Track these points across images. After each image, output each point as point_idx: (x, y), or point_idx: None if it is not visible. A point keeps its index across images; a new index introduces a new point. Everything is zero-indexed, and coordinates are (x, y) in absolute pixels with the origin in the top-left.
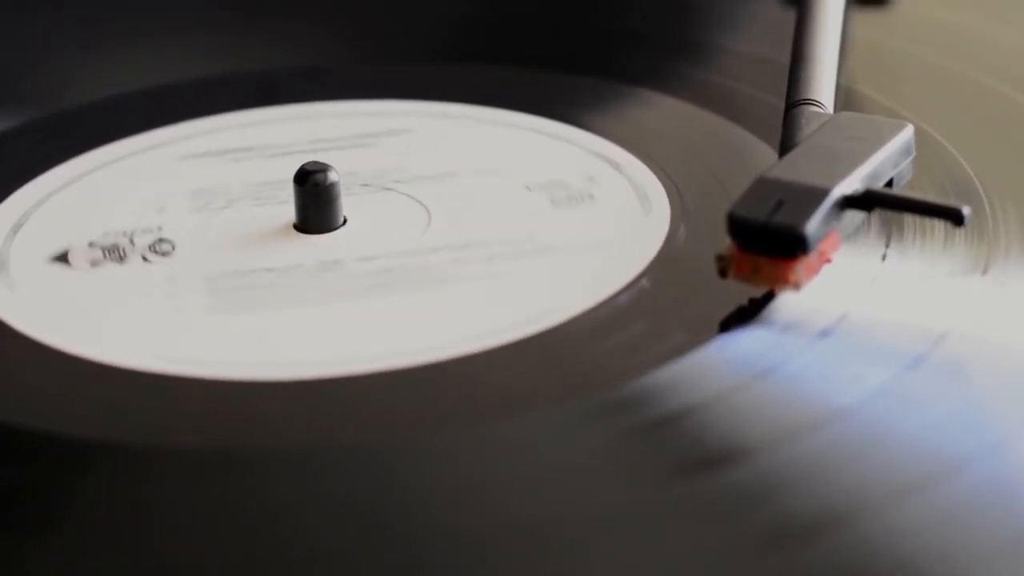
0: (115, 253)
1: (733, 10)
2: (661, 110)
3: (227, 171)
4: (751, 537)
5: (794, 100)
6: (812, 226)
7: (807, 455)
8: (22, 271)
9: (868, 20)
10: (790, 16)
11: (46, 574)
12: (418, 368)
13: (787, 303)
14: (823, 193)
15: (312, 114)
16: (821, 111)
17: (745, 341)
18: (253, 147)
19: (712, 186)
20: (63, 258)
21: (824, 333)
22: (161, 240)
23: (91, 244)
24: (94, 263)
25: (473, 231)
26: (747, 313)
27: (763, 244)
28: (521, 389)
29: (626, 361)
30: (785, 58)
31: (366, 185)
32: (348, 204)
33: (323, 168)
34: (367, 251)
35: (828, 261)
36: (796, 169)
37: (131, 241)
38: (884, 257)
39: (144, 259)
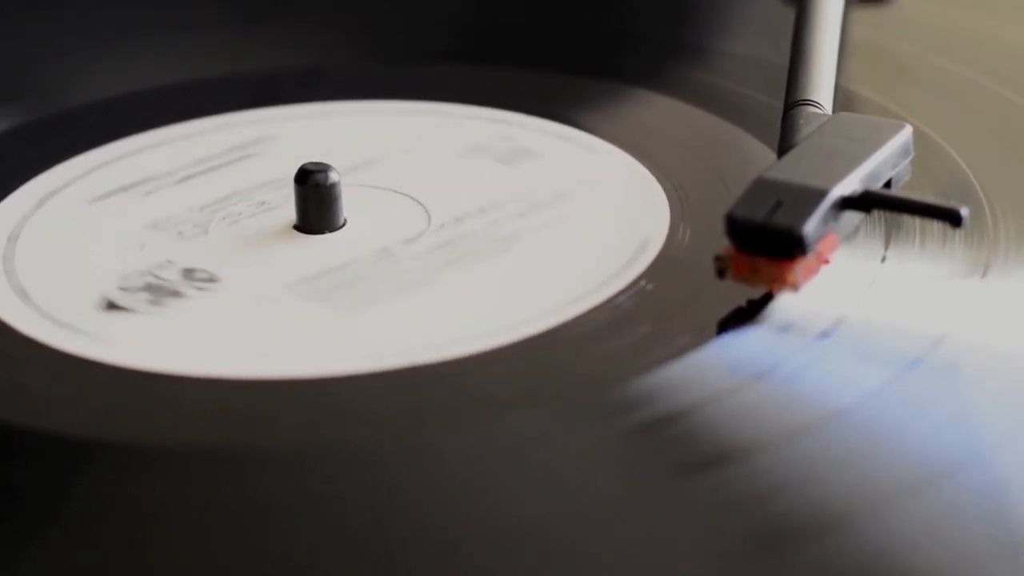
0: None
1: (733, 12)
2: (661, 111)
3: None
4: (749, 537)
5: (793, 101)
6: (810, 227)
7: (805, 456)
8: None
9: (867, 20)
10: (789, 18)
11: (46, 574)
12: (418, 368)
13: (785, 304)
14: (821, 194)
15: (309, 115)
16: (820, 112)
17: (744, 342)
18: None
19: (711, 187)
20: (112, 305)
21: (823, 334)
22: (190, 270)
23: (124, 288)
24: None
25: (473, 231)
26: (745, 314)
27: (761, 245)
28: (521, 389)
29: (625, 361)
30: (784, 60)
31: (364, 186)
32: (348, 205)
33: (323, 168)
34: (367, 251)
35: (826, 262)
36: (794, 170)
37: (158, 277)
38: (883, 259)
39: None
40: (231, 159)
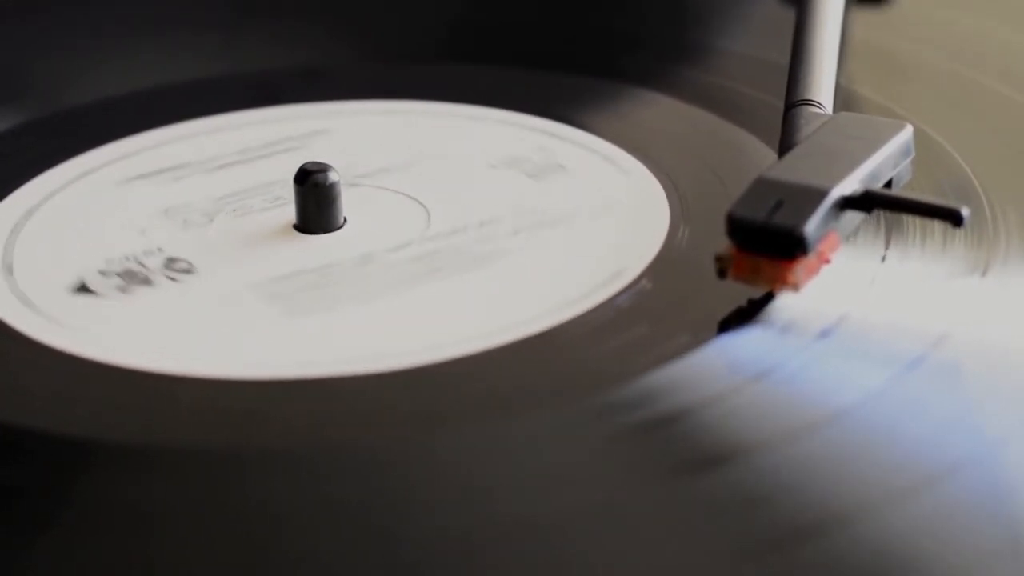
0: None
1: (732, 10)
2: (660, 110)
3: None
4: (749, 538)
5: (793, 100)
6: (811, 227)
7: (806, 456)
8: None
9: (868, 20)
10: (789, 16)
11: (46, 574)
12: (418, 368)
13: (786, 304)
14: (822, 194)
15: (309, 114)
16: (820, 112)
17: (744, 342)
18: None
19: (712, 186)
20: (84, 288)
21: (823, 334)
22: (172, 259)
23: (103, 272)
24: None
25: (473, 231)
26: (746, 314)
27: (762, 244)
28: (521, 389)
29: (626, 361)
30: (784, 58)
31: (362, 185)
32: (347, 204)
33: (323, 168)
34: (366, 251)
35: (827, 262)
36: (795, 169)
37: (142, 264)
38: (883, 258)
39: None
40: (272, 152)
